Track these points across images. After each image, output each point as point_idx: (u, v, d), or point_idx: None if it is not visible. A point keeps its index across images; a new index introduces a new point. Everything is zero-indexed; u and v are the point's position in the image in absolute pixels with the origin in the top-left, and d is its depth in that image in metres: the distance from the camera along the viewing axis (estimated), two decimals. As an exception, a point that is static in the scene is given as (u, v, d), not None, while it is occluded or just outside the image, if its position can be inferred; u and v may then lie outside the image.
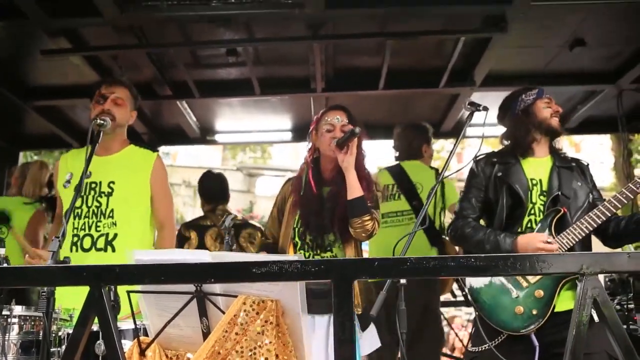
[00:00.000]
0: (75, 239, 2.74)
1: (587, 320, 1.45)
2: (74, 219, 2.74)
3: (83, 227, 2.75)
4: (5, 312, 2.13)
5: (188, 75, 4.12)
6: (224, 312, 1.79)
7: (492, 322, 2.52)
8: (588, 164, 2.79)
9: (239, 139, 6.23)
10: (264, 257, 2.15)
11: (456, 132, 5.06)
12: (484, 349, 2.51)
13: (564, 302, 2.45)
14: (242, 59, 3.90)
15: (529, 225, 2.61)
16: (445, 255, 3.47)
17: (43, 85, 4.37)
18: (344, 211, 2.61)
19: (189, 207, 16.10)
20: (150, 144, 5.11)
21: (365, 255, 3.43)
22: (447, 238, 3.99)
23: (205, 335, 1.86)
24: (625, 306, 3.14)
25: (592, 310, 1.47)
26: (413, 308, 1.79)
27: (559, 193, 2.60)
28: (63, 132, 4.98)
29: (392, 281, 2.02)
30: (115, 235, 2.74)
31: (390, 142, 4.44)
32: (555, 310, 2.45)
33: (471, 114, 2.51)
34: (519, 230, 2.61)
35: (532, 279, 2.50)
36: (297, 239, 2.70)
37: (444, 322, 4.50)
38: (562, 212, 2.55)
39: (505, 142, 2.83)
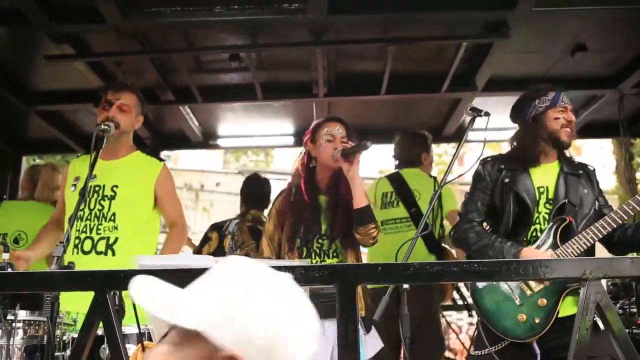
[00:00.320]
0: (77, 241, 2.74)
1: (590, 325, 1.45)
2: (77, 221, 2.75)
3: (84, 230, 2.75)
4: (9, 317, 2.14)
5: (191, 80, 4.13)
6: (227, 317, 1.80)
7: (494, 328, 2.51)
8: (594, 170, 2.76)
9: (241, 143, 6.24)
10: (268, 262, 2.15)
11: (458, 136, 5.07)
12: (485, 352, 2.50)
13: (566, 308, 2.44)
14: (245, 64, 3.92)
15: (534, 234, 2.59)
16: (448, 261, 3.48)
17: (46, 90, 4.39)
18: (343, 219, 2.65)
19: (191, 210, 16.11)
20: (153, 149, 5.14)
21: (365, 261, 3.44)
22: (445, 246, 4.02)
23: (209, 339, 1.86)
24: (627, 310, 3.14)
25: (597, 317, 1.48)
26: (411, 315, 1.79)
27: (566, 201, 2.58)
28: (66, 136, 5.00)
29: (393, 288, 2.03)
30: (116, 239, 2.75)
31: (391, 147, 4.46)
32: (558, 316, 2.44)
33: (473, 120, 2.52)
34: (524, 238, 2.59)
35: (536, 287, 2.49)
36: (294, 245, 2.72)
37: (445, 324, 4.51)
38: (568, 221, 2.53)
39: (514, 144, 2.79)
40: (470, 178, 2.83)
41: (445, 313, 4.94)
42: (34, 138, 5.36)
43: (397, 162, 4.28)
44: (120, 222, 2.76)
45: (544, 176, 2.67)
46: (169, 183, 2.95)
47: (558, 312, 2.44)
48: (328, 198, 2.76)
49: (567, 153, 2.75)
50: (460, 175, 2.85)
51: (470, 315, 4.82)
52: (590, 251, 2.52)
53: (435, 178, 4.11)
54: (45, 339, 2.16)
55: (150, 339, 2.06)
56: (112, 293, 1.60)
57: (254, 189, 4.30)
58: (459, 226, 2.72)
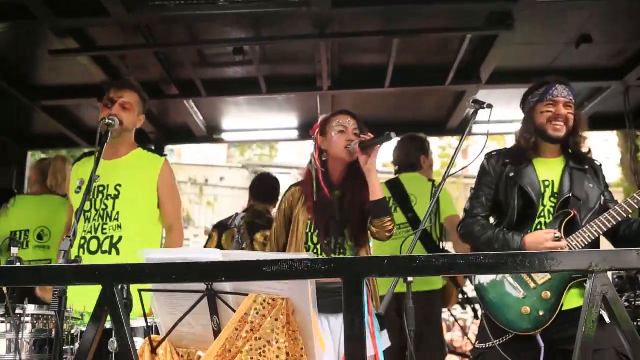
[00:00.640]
0: (83, 241, 2.76)
1: (596, 317, 1.45)
2: (84, 222, 2.76)
3: (90, 230, 2.77)
4: (18, 311, 2.15)
5: (195, 74, 4.13)
6: (234, 311, 1.81)
7: (498, 321, 2.52)
8: (601, 165, 2.75)
9: (245, 137, 6.24)
10: (274, 255, 2.17)
11: (462, 129, 5.04)
12: (490, 345, 2.51)
13: (570, 300, 2.44)
14: (249, 58, 3.91)
15: (538, 227, 2.59)
16: (454, 253, 3.49)
17: (51, 85, 4.40)
18: (358, 214, 2.64)
19: (195, 205, 16.16)
20: (157, 143, 5.15)
21: None
22: (445, 248, 4.02)
23: (216, 333, 1.88)
24: (633, 303, 3.14)
25: (603, 311, 1.48)
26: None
27: (570, 195, 2.57)
28: (70, 131, 5.02)
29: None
30: (120, 238, 2.76)
31: (394, 140, 4.44)
32: (563, 308, 2.44)
33: (476, 112, 2.51)
34: (529, 232, 2.58)
35: (540, 280, 2.49)
36: (309, 242, 2.69)
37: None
38: (572, 214, 2.53)
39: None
40: (473, 171, 2.83)
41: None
42: (38, 133, 5.37)
43: (396, 167, 4.26)
44: (124, 221, 2.78)
45: (549, 170, 2.66)
46: (170, 179, 2.96)
47: (562, 305, 2.44)
48: (340, 192, 2.72)
49: (584, 146, 2.69)
50: (463, 168, 2.83)
51: (476, 318, 4.85)
52: (595, 244, 2.52)
53: (433, 182, 4.10)
54: (53, 332, 2.18)
55: (157, 333, 2.08)
56: (120, 287, 1.61)
57: (258, 187, 4.33)
58: (464, 222, 2.74)
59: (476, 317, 4.70)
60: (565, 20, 3.59)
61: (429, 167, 4.27)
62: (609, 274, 1.52)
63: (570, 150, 2.70)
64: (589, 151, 2.71)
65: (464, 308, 4.69)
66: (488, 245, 2.57)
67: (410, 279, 1.72)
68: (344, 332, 1.50)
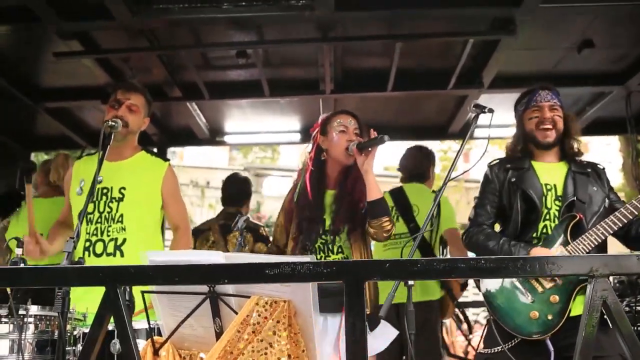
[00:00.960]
0: (88, 243, 2.76)
1: (596, 322, 1.46)
2: (87, 224, 2.77)
3: (95, 233, 2.77)
4: (21, 312, 2.16)
5: (198, 76, 4.15)
6: (236, 313, 1.82)
7: (506, 326, 2.52)
8: (604, 168, 2.77)
9: (248, 140, 6.26)
10: (276, 258, 2.17)
11: (464, 133, 5.04)
12: (496, 350, 2.51)
13: (579, 306, 2.43)
14: (252, 61, 3.93)
15: (544, 230, 2.60)
16: (455, 257, 3.50)
17: (54, 87, 4.42)
18: (348, 212, 2.65)
19: (197, 207, 16.17)
20: (160, 145, 5.16)
21: None
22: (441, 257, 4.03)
23: (218, 335, 1.89)
24: (634, 308, 3.14)
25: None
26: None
27: (575, 198, 2.59)
28: (74, 133, 5.03)
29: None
30: (124, 240, 2.76)
31: (396, 144, 4.45)
32: (570, 315, 2.44)
33: (477, 116, 2.53)
34: (534, 235, 2.61)
35: (548, 284, 2.49)
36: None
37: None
38: (578, 218, 2.54)
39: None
40: (474, 175, 2.85)
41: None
42: (42, 135, 5.39)
43: (403, 175, 4.27)
44: (128, 224, 2.78)
45: (551, 174, 2.69)
46: (174, 183, 2.97)
47: (570, 311, 2.44)
48: (336, 192, 2.74)
49: (576, 148, 2.72)
50: (464, 172, 2.85)
51: (470, 332, 4.87)
52: (601, 247, 2.53)
53: (436, 192, 4.11)
54: (56, 333, 2.19)
55: (159, 334, 2.09)
56: (122, 288, 1.62)
57: (227, 189, 4.35)
58: (469, 230, 2.76)
59: (470, 330, 4.73)
60: (567, 25, 3.60)
61: (433, 179, 4.32)
62: (610, 278, 1.53)
63: (568, 154, 2.72)
64: (581, 153, 2.73)
65: (459, 320, 4.71)
66: (493, 255, 2.57)
67: (410, 282, 1.73)
68: (345, 335, 1.51)
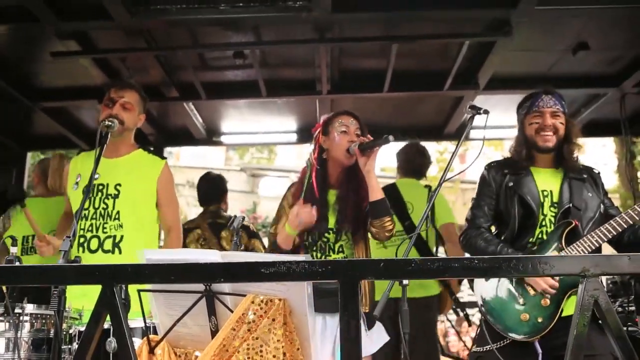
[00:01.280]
0: (82, 239, 2.77)
1: (588, 321, 1.48)
2: (81, 220, 2.78)
3: (90, 229, 2.78)
4: (17, 310, 2.17)
5: (195, 77, 4.16)
6: (232, 311, 1.83)
7: (497, 328, 2.54)
8: (599, 173, 2.77)
9: (244, 140, 6.26)
10: (272, 257, 2.18)
11: (460, 134, 5.05)
12: (487, 349, 2.54)
13: (570, 306, 2.45)
14: (249, 62, 3.93)
15: (540, 236, 2.61)
16: (449, 257, 3.52)
17: (51, 87, 4.41)
18: (353, 212, 2.66)
19: (193, 207, 16.13)
20: (157, 145, 5.16)
21: None
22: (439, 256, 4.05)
23: (214, 333, 1.90)
24: (626, 308, 3.16)
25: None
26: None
27: (570, 205, 2.60)
28: (71, 133, 5.03)
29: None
30: (122, 237, 2.78)
31: (393, 145, 4.46)
32: (562, 315, 2.46)
33: (472, 117, 2.54)
34: (531, 240, 2.62)
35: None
36: (305, 242, 2.72)
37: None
38: (574, 224, 2.55)
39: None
40: (470, 175, 2.86)
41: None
42: (38, 134, 5.38)
43: (400, 170, 4.28)
44: (124, 221, 2.80)
45: (547, 180, 2.69)
46: (170, 182, 2.99)
47: (562, 312, 2.46)
48: (339, 191, 2.76)
49: (575, 152, 2.71)
50: (460, 172, 2.87)
51: (469, 325, 4.88)
52: (595, 252, 2.53)
53: (430, 187, 4.13)
54: (52, 332, 2.20)
55: (155, 333, 2.10)
56: (119, 287, 1.63)
57: (203, 188, 4.38)
58: (467, 232, 2.76)
59: (469, 324, 4.74)
60: (563, 27, 3.62)
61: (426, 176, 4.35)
62: (603, 279, 1.54)
63: (565, 159, 2.71)
64: (577, 159, 2.72)
65: (457, 314, 4.72)
66: None
67: (405, 281, 1.75)
68: (340, 335, 1.52)
